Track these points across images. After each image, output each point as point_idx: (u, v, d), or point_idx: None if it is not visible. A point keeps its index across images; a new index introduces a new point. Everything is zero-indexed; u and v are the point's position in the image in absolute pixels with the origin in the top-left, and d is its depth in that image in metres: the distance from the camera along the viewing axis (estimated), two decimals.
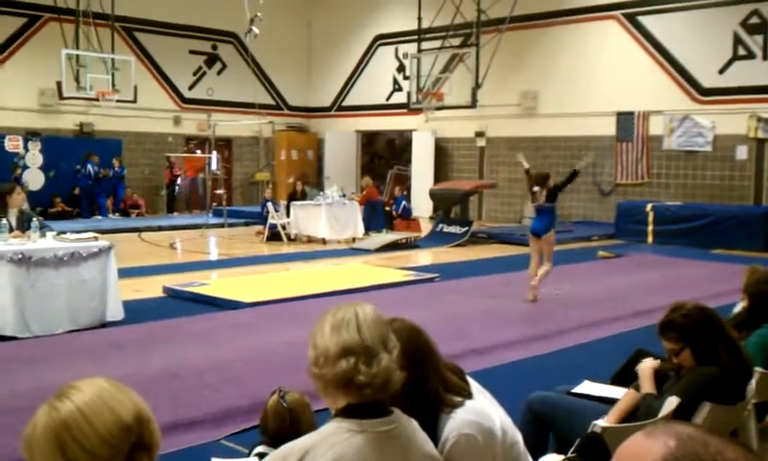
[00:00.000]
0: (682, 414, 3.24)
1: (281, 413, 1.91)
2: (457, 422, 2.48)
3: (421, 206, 20.66)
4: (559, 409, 3.76)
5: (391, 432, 2.09)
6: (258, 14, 16.66)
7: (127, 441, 1.46)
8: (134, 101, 20.04)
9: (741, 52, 16.95)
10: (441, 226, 16.89)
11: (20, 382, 5.55)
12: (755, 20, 16.74)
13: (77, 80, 18.87)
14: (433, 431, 2.45)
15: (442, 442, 2.47)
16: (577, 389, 4.00)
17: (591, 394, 3.90)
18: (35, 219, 7.88)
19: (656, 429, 1.10)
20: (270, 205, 16.27)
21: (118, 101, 19.38)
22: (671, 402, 3.32)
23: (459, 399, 2.56)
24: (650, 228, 15.94)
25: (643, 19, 18.55)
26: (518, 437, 2.72)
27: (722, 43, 17.15)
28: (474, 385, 2.71)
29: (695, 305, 3.47)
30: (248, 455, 3.18)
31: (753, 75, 16.74)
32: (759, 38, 16.69)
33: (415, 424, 2.22)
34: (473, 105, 18.55)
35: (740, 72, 16.95)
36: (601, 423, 3.25)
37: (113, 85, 19.30)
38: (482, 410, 2.57)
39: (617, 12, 18.96)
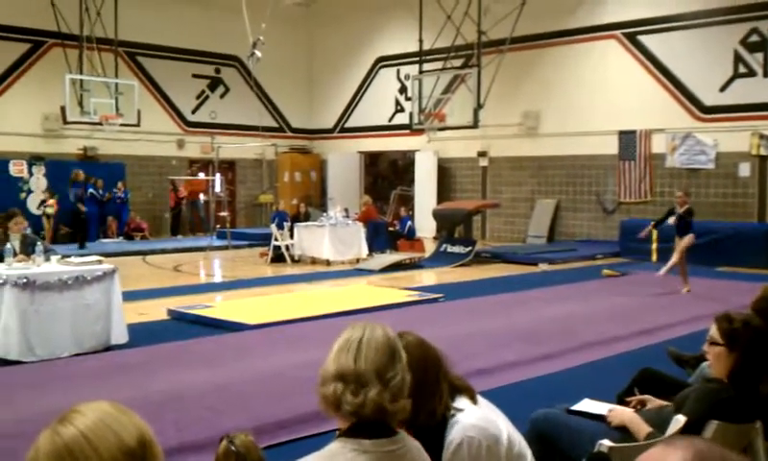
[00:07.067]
0: (689, 432, 3.22)
1: (233, 456, 1.90)
2: (463, 425, 2.55)
3: (425, 226, 20.67)
4: (562, 427, 3.75)
5: (395, 453, 2.08)
6: (261, 38, 16.74)
7: None
8: (138, 125, 20.16)
9: (742, 70, 16.99)
10: (445, 246, 16.86)
11: (24, 407, 5.53)
12: (754, 38, 16.79)
13: (81, 104, 19.02)
14: (441, 439, 2.53)
15: (447, 444, 2.53)
16: (576, 407, 3.98)
17: (591, 412, 3.88)
18: (39, 243, 7.90)
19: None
20: (274, 225, 16.26)
21: (122, 125, 19.50)
22: (678, 421, 3.31)
23: (466, 400, 2.64)
24: (654, 246, 15.86)
25: (644, 38, 18.62)
26: (527, 452, 2.74)
27: (722, 61, 17.20)
28: (482, 401, 2.76)
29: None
30: None
31: (754, 93, 16.77)
32: (760, 56, 16.74)
33: (419, 445, 2.22)
34: (475, 125, 18.58)
35: (741, 90, 16.98)
36: (607, 442, 3.24)
37: (117, 110, 19.43)
38: (487, 417, 2.65)
39: (618, 32, 19.03)
